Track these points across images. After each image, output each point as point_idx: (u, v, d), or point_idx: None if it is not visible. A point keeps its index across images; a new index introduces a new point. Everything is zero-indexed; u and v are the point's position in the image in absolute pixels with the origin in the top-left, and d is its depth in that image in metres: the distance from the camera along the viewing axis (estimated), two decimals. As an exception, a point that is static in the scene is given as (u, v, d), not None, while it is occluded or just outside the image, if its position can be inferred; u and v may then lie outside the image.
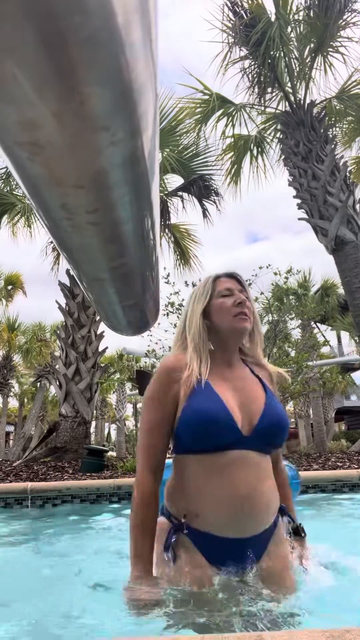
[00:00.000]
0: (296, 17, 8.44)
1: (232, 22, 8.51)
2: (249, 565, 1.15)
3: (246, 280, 1.51)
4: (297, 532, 1.35)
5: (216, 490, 1.16)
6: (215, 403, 1.20)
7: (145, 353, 8.99)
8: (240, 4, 8.45)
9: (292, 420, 26.94)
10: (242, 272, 1.44)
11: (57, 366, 9.03)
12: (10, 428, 31.91)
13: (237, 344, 1.38)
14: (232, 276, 1.41)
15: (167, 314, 8.35)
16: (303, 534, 1.36)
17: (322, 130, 8.58)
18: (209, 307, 1.36)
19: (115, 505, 4.21)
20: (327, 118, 9.08)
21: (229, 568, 1.13)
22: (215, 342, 1.37)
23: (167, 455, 1.28)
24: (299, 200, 8.61)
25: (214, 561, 1.14)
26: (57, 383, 8.64)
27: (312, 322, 15.29)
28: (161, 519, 1.23)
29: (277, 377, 1.45)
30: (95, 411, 9.98)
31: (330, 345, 20.71)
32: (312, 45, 8.58)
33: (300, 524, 1.37)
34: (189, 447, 1.21)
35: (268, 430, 1.22)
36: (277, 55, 8.51)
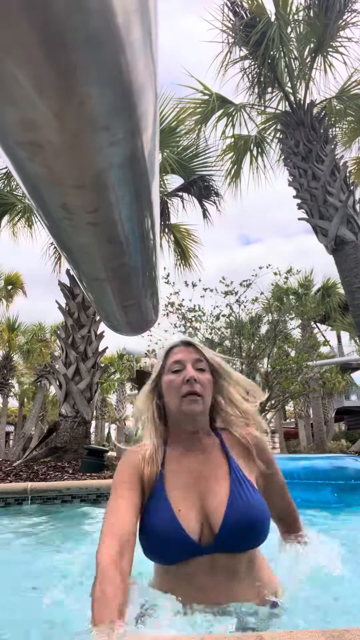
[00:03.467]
0: (296, 17, 8.44)
1: (232, 22, 8.51)
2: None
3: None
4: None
5: (187, 597, 1.05)
6: (167, 520, 1.07)
7: (145, 353, 8.99)
8: (240, 4, 8.45)
9: (292, 420, 26.96)
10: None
11: (57, 366, 9.02)
12: (10, 428, 31.93)
13: (196, 426, 1.19)
14: (187, 344, 1.25)
15: (167, 314, 8.36)
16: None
17: (322, 130, 8.58)
18: (160, 385, 1.23)
19: (115, 505, 4.20)
20: (327, 118, 9.07)
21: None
22: (172, 423, 1.23)
23: None
24: (292, 204, 8.64)
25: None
26: (57, 383, 8.64)
27: (312, 322, 15.29)
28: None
29: (254, 440, 1.22)
30: (95, 411, 9.98)
31: (330, 345, 20.72)
32: (312, 45, 8.58)
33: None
34: (153, 560, 1.13)
35: (233, 536, 1.06)
36: (277, 55, 8.50)
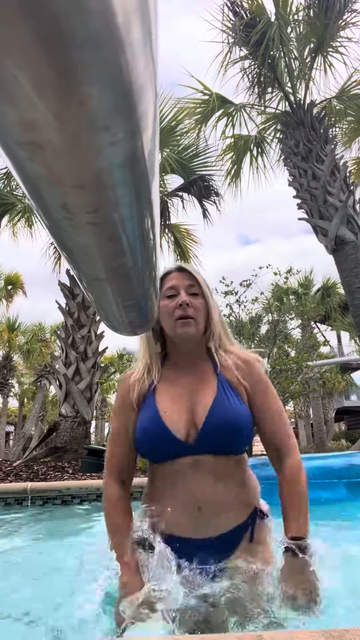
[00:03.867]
0: (296, 17, 8.44)
1: (232, 22, 8.51)
2: (215, 564, 1.14)
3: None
4: (288, 551, 1.09)
5: (173, 495, 1.18)
6: (152, 419, 1.19)
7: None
8: (240, 4, 8.45)
9: (292, 420, 26.97)
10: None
11: (57, 366, 9.02)
12: (10, 428, 31.93)
13: (191, 347, 1.27)
14: (181, 270, 1.30)
15: (167, 314, 8.35)
16: (301, 554, 1.07)
17: (322, 130, 8.58)
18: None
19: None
20: (327, 118, 9.07)
21: (194, 565, 1.14)
22: (169, 345, 1.31)
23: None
24: (292, 204, 8.64)
25: (181, 559, 1.15)
26: (57, 383, 8.64)
27: (312, 322, 15.29)
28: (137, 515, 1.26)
29: (245, 362, 1.27)
30: (95, 411, 9.99)
31: (330, 345, 20.72)
32: (312, 45, 8.58)
33: (302, 542, 1.10)
34: (146, 458, 1.27)
35: (214, 436, 1.15)
36: (277, 55, 8.50)
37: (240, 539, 1.19)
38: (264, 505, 1.28)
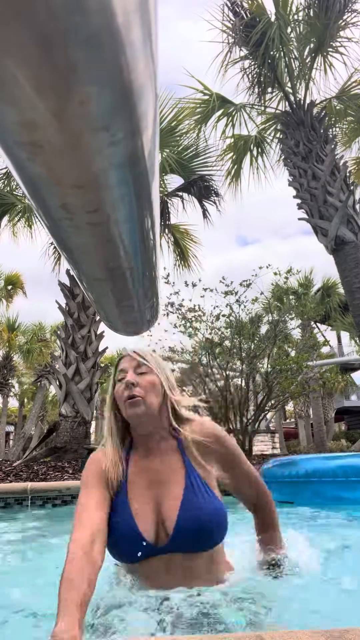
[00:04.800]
0: (296, 17, 8.44)
1: (232, 22, 8.51)
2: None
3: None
4: (275, 565, 1.28)
5: (141, 588, 1.13)
6: (124, 517, 1.14)
7: (145, 353, 8.98)
8: (240, 4, 8.45)
9: (292, 420, 26.96)
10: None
11: (57, 366, 9.02)
12: (10, 428, 31.92)
13: (149, 429, 1.23)
14: (133, 352, 1.29)
15: (167, 314, 8.35)
16: (278, 567, 1.27)
17: (322, 130, 8.58)
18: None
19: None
20: (327, 118, 9.07)
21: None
22: (132, 429, 1.29)
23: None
24: (290, 205, 8.64)
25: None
26: (57, 383, 8.64)
27: (312, 322, 15.30)
28: None
29: (209, 433, 1.26)
30: (95, 411, 9.99)
31: (330, 345, 20.72)
32: (312, 45, 8.59)
33: (279, 559, 1.28)
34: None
35: (186, 537, 1.11)
36: (277, 55, 8.50)
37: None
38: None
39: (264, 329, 9.04)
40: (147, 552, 1.12)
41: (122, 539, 1.13)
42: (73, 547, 1.01)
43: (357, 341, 16.08)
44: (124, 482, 1.20)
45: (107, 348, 9.11)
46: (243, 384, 8.08)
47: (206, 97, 9.09)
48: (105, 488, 1.19)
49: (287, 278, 9.10)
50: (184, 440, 1.24)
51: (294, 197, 8.61)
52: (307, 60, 8.75)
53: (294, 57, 8.73)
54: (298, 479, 3.71)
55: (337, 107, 9.47)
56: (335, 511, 3.04)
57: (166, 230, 10.06)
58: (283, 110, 9.11)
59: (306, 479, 3.67)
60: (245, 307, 8.33)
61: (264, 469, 4.10)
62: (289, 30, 8.41)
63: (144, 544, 1.12)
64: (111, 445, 1.27)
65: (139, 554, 1.12)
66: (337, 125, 9.89)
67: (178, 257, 10.51)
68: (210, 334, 8.28)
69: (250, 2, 8.35)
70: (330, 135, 8.90)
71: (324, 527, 2.66)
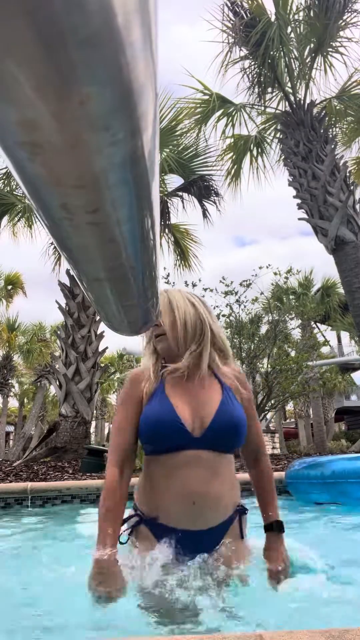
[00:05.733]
0: (296, 17, 8.44)
1: (232, 22, 8.51)
2: (202, 554, 1.24)
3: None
4: (271, 528, 1.39)
5: (171, 487, 1.26)
6: (164, 407, 1.30)
7: (145, 353, 8.99)
8: (240, 4, 8.45)
9: (292, 420, 26.97)
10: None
11: (57, 366, 9.03)
12: (10, 428, 31.91)
13: (177, 359, 1.41)
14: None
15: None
16: (279, 531, 1.38)
17: (322, 130, 8.58)
18: None
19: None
20: (327, 118, 9.07)
21: (184, 556, 1.23)
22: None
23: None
24: (289, 205, 8.63)
25: (171, 549, 1.24)
26: (57, 383, 8.64)
27: (312, 322, 15.30)
28: (130, 512, 1.36)
29: (239, 376, 1.47)
30: (95, 411, 9.99)
31: (330, 345, 20.72)
32: (312, 45, 8.59)
33: (275, 521, 1.39)
34: (148, 449, 1.34)
35: (220, 431, 1.28)
36: (277, 55, 8.50)
37: (224, 533, 1.30)
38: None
39: (264, 329, 9.04)
40: (183, 440, 1.25)
41: (162, 425, 1.27)
42: (108, 481, 1.29)
43: (357, 341, 16.08)
44: (162, 388, 1.35)
45: (107, 348, 9.12)
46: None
47: (206, 97, 9.09)
48: (139, 401, 1.35)
49: (287, 278, 9.11)
50: (219, 372, 1.41)
51: (294, 197, 8.62)
52: (307, 60, 8.75)
53: (294, 57, 8.73)
54: (330, 480, 3.62)
55: (337, 107, 9.47)
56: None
57: (166, 230, 10.06)
58: (283, 110, 9.11)
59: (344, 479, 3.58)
60: (245, 307, 8.33)
61: (288, 472, 4.07)
62: (289, 30, 8.41)
63: (183, 431, 1.25)
64: (149, 358, 1.44)
65: (175, 441, 1.25)
66: (337, 125, 9.89)
67: (178, 257, 10.52)
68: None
69: (250, 2, 8.35)
70: (330, 135, 8.90)
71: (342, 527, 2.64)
